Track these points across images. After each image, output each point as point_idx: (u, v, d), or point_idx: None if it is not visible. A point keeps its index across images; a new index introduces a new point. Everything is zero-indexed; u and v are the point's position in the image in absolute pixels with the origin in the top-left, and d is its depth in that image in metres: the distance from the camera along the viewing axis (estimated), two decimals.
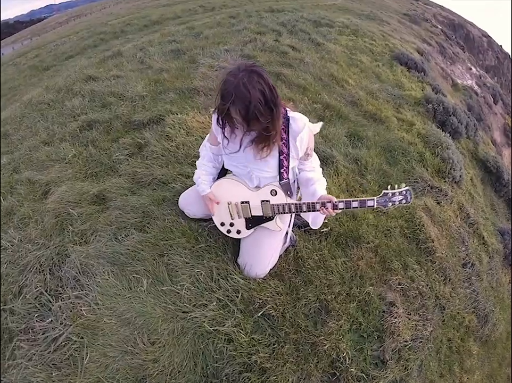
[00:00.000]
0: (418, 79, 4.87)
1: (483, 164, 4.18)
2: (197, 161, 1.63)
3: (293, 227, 1.83)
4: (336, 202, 1.37)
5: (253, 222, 1.54)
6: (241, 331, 1.42)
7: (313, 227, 1.65)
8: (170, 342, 1.38)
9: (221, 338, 1.40)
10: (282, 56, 4.27)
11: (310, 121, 1.48)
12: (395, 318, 1.81)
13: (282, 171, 1.42)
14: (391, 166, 2.91)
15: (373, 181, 2.62)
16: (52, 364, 1.32)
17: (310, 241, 1.89)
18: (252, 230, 1.57)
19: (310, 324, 1.58)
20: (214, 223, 1.68)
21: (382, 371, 1.62)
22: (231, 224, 1.58)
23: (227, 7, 9.00)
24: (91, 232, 1.82)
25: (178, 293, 1.52)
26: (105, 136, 2.66)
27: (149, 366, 1.33)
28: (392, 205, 1.40)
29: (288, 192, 1.47)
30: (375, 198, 1.38)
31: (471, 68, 9.00)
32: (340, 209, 1.39)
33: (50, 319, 1.42)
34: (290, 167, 1.44)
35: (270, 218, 1.52)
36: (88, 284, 1.56)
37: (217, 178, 1.62)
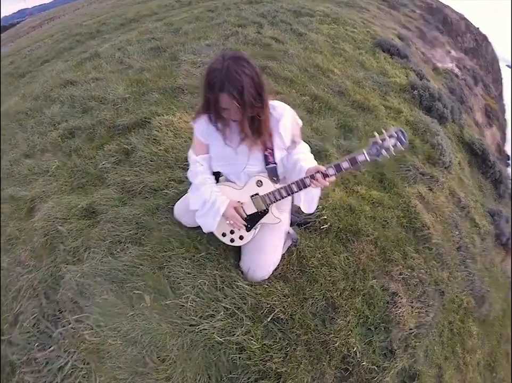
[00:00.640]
0: (401, 65, 4.95)
1: (469, 147, 4.33)
2: (195, 180, 1.51)
3: (292, 225, 1.85)
4: (324, 170, 1.28)
5: (251, 221, 1.50)
6: (252, 338, 1.42)
7: (307, 212, 1.52)
8: (181, 358, 1.37)
9: (233, 348, 1.40)
10: (266, 48, 4.26)
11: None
12: (399, 308, 1.87)
13: (267, 153, 1.39)
14: None
15: (367, 173, 2.66)
16: None
17: (311, 239, 1.91)
18: (253, 231, 1.52)
19: (318, 323, 1.60)
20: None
21: (392, 361, 1.68)
22: (232, 232, 1.54)
23: (204, 0, 8.84)
24: (84, 249, 1.77)
25: (183, 306, 1.51)
26: (88, 144, 2.59)
27: None
28: (387, 151, 1.26)
29: (274, 178, 1.43)
30: (364, 150, 1.27)
31: (450, 52, 9.24)
32: (331, 175, 1.29)
33: (52, 347, 1.38)
34: (276, 156, 1.41)
35: (265, 212, 1.47)
36: (87, 306, 1.52)
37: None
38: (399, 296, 1.92)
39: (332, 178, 1.30)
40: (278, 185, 1.42)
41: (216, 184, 1.51)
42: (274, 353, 1.43)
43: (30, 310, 1.54)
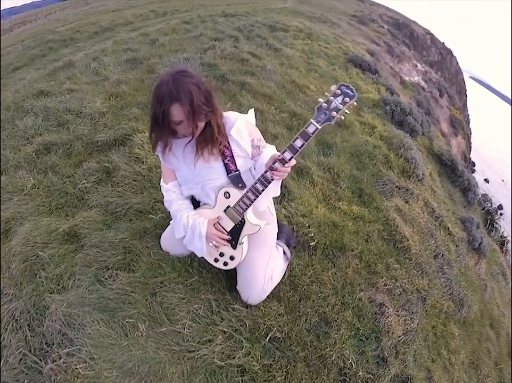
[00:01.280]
0: (372, 81, 5.32)
1: (438, 158, 4.71)
2: (171, 209, 1.52)
3: (290, 246, 1.93)
4: (279, 156, 1.27)
5: (233, 237, 1.49)
6: (252, 359, 1.48)
7: (276, 195, 1.49)
8: None
9: (234, 371, 1.45)
10: (244, 63, 4.41)
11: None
12: (387, 317, 2.01)
13: (226, 162, 1.40)
14: (360, 171, 3.18)
15: (347, 189, 2.85)
16: None
17: (301, 257, 2.03)
18: (240, 247, 1.51)
19: (314, 338, 1.69)
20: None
21: (385, 368, 1.80)
22: (221, 254, 1.54)
23: (179, 11, 8.99)
24: (68, 276, 1.72)
25: (180, 332, 1.54)
26: (65, 160, 2.52)
27: None
28: (338, 112, 1.21)
29: (240, 185, 1.42)
30: (312, 120, 1.22)
31: (417, 65, 10.02)
32: (289, 159, 1.26)
33: None
34: (239, 164, 1.41)
35: (243, 222, 1.45)
36: (77, 338, 1.49)
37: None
38: (386, 306, 2.07)
39: (292, 162, 1.28)
40: (244, 191, 1.41)
41: (195, 209, 1.53)
42: (275, 372, 1.49)
43: (15, 344, 1.47)
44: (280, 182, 1.45)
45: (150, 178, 2.31)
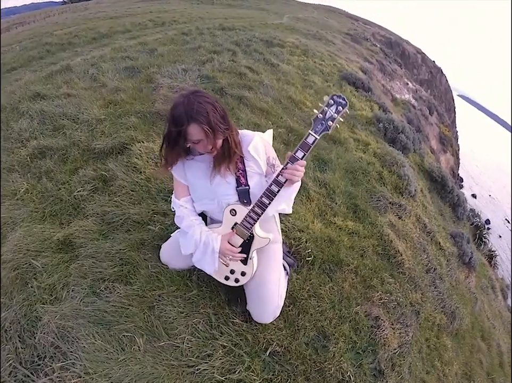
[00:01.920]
0: (366, 98, 5.51)
1: (429, 175, 4.87)
2: (182, 224, 1.52)
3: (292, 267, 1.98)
4: (290, 159, 1.31)
5: (243, 253, 1.51)
6: (252, 374, 1.49)
7: (288, 212, 1.52)
8: None
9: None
10: (241, 77, 4.49)
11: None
12: (383, 330, 2.06)
13: (238, 175, 1.42)
14: (355, 187, 3.27)
15: (342, 204, 2.92)
16: None
17: (300, 272, 2.07)
18: (250, 262, 1.53)
19: (312, 352, 1.72)
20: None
21: (382, 381, 1.84)
22: (232, 271, 1.54)
23: (177, 22, 9.15)
24: (61, 286, 1.68)
25: (178, 347, 1.53)
26: (61, 166, 2.48)
27: None
28: (333, 121, 1.29)
29: (245, 201, 1.44)
30: (310, 131, 1.29)
31: (408, 83, 10.42)
32: (300, 158, 1.31)
33: None
34: (251, 180, 1.43)
35: (252, 237, 1.47)
36: (71, 352, 1.45)
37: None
38: (382, 320, 2.11)
39: (303, 161, 1.31)
40: (250, 207, 1.42)
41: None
42: None
43: (4, 356, 1.42)
44: (292, 196, 1.46)
45: (148, 189, 2.30)
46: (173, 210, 1.58)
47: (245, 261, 1.53)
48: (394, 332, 2.15)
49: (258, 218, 1.41)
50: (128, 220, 2.08)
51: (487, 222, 19.34)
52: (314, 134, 1.29)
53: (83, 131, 2.84)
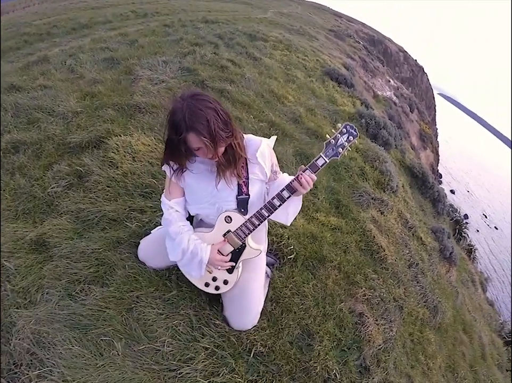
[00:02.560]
0: (348, 94, 5.58)
1: (410, 171, 4.99)
2: (169, 229, 1.46)
3: (268, 265, 1.95)
4: (301, 174, 1.33)
5: (231, 261, 1.49)
6: (237, 376, 1.47)
7: (288, 224, 1.53)
8: None
9: None
10: (223, 70, 4.44)
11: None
12: (367, 327, 2.09)
13: (241, 183, 1.40)
14: (337, 182, 3.29)
15: (324, 200, 2.94)
16: None
17: (282, 269, 2.06)
18: (236, 271, 1.51)
19: (297, 351, 1.72)
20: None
21: (368, 377, 1.87)
22: (214, 279, 1.52)
23: (160, 14, 8.97)
24: (35, 289, 1.62)
25: (159, 350, 1.49)
26: (35, 161, 2.39)
27: None
28: (343, 148, 1.37)
29: (242, 209, 1.42)
30: (321, 154, 1.36)
31: (389, 81, 10.65)
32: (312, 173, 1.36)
33: None
34: (252, 189, 1.41)
35: (243, 247, 1.47)
36: (48, 358, 1.40)
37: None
38: (366, 316, 2.14)
39: (314, 176, 1.36)
40: (247, 216, 1.41)
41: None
42: None
43: None
44: (291, 211, 1.48)
45: (125, 185, 2.24)
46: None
47: (230, 270, 1.51)
48: (378, 328, 2.19)
49: (254, 229, 1.41)
50: (104, 218, 2.03)
51: (465, 216, 20.10)
52: (324, 157, 1.36)
53: (58, 124, 2.75)
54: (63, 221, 1.98)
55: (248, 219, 1.40)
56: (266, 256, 1.95)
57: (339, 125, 1.38)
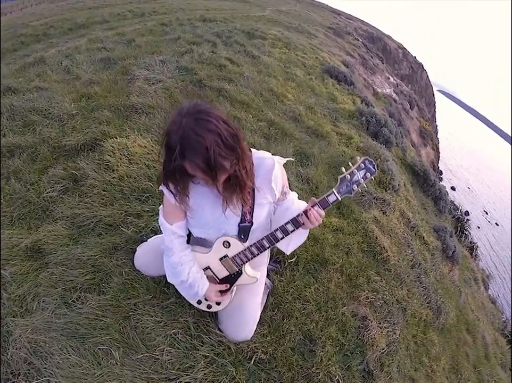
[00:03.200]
0: (348, 92, 5.53)
1: (411, 169, 4.94)
2: (170, 258, 1.38)
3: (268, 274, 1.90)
4: (309, 209, 1.24)
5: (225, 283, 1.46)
6: None
7: (287, 253, 1.44)
8: None
9: None
10: (221, 69, 4.39)
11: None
12: (370, 330, 2.05)
13: (245, 210, 1.29)
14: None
15: None
16: None
17: (283, 274, 2.02)
18: (230, 294, 1.48)
19: (299, 357, 1.68)
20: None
21: (372, 382, 1.83)
22: (206, 298, 1.47)
23: (157, 13, 8.92)
24: (31, 297, 1.60)
25: (158, 359, 1.47)
26: (30, 165, 2.35)
27: None
28: (358, 186, 1.25)
29: (242, 236, 1.33)
30: (334, 189, 1.26)
31: (389, 78, 10.61)
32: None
33: None
34: (259, 215, 1.31)
35: (239, 273, 1.42)
36: (45, 368, 1.39)
37: None
38: (369, 319, 2.11)
39: (322, 214, 1.28)
40: (247, 244, 1.33)
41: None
42: None
43: None
44: (293, 242, 1.40)
45: (121, 189, 2.20)
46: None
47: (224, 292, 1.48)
48: (382, 331, 2.15)
49: (252, 258, 1.35)
50: (100, 223, 2.00)
51: (466, 213, 20.09)
52: (337, 194, 1.26)
53: (53, 126, 2.71)
54: (58, 226, 1.95)
55: (247, 247, 1.33)
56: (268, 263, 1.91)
57: (358, 158, 1.25)
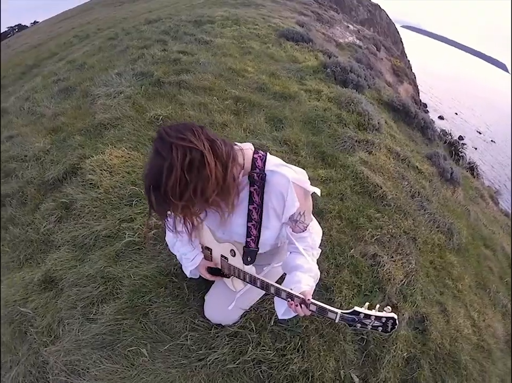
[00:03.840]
0: (308, 50, 5.43)
1: (390, 106, 4.89)
2: (182, 249, 1.42)
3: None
4: (308, 300, 1.11)
5: (212, 270, 1.46)
6: (264, 348, 1.48)
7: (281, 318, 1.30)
8: None
9: (250, 365, 1.44)
10: (176, 63, 4.34)
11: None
12: (384, 266, 2.08)
13: (248, 239, 1.21)
14: (317, 136, 3.24)
15: (308, 155, 2.89)
16: None
17: None
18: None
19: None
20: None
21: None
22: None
23: (102, 30, 8.73)
24: (56, 324, 1.66)
25: (184, 344, 1.50)
26: (22, 209, 2.42)
27: None
28: (362, 327, 1.09)
29: (248, 258, 1.25)
30: (339, 311, 1.09)
31: (348, 26, 10.37)
32: (313, 310, 1.13)
33: None
34: (263, 239, 1.22)
35: (228, 277, 1.42)
36: None
37: None
38: (380, 256, 2.13)
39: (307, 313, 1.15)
40: (247, 268, 1.27)
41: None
42: (291, 354, 1.50)
43: None
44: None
45: (109, 201, 2.26)
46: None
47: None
48: (396, 264, 2.18)
49: (243, 281, 1.33)
50: (98, 237, 2.05)
51: (460, 138, 19.99)
52: (338, 317, 1.10)
53: (33, 167, 2.76)
54: (62, 252, 2.00)
55: (244, 271, 1.28)
56: None
57: (388, 309, 1.06)
